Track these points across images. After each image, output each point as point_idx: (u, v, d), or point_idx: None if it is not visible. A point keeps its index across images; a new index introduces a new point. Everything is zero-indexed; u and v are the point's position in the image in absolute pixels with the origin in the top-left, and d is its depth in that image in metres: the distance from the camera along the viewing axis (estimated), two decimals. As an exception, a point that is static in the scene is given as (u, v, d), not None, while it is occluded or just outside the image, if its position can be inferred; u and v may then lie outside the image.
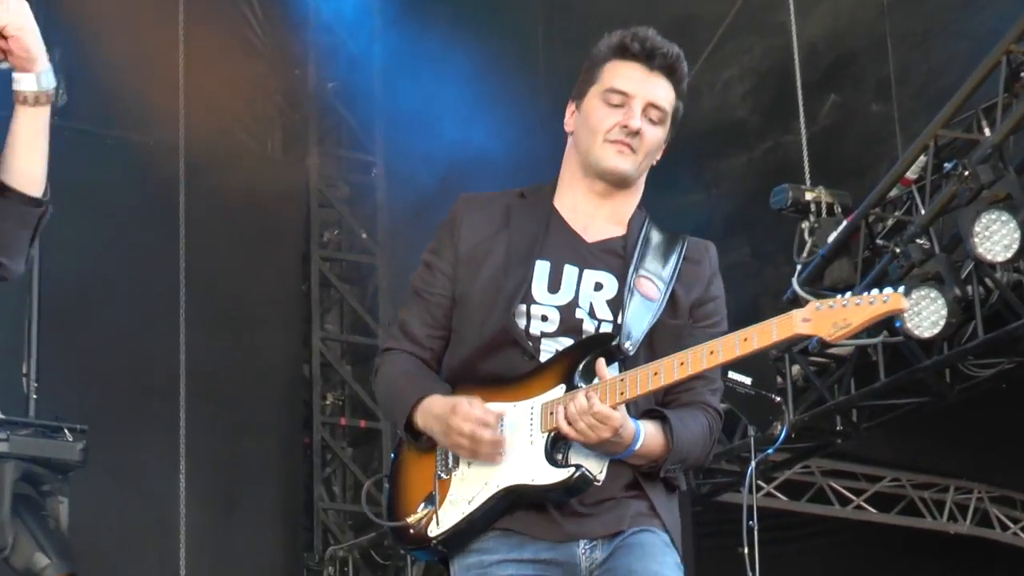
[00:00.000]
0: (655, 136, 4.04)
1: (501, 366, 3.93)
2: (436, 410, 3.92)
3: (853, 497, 11.69)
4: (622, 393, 3.78)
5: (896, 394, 9.70)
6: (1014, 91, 8.75)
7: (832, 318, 3.69)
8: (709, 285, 4.06)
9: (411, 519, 3.94)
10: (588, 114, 4.06)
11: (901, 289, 3.75)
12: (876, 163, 10.07)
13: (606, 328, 3.93)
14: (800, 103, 10.06)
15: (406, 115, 13.56)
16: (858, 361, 9.57)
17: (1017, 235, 8.50)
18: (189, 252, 12.29)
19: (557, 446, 3.85)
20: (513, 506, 3.87)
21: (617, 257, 4.02)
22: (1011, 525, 11.98)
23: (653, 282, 3.98)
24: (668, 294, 3.96)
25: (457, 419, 3.86)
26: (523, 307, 3.93)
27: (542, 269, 3.98)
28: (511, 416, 3.89)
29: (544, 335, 3.94)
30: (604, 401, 3.76)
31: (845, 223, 9.50)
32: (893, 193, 9.43)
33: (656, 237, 4.07)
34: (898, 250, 8.99)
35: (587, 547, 3.89)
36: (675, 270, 4.00)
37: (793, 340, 3.80)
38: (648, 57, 4.04)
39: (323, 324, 13.86)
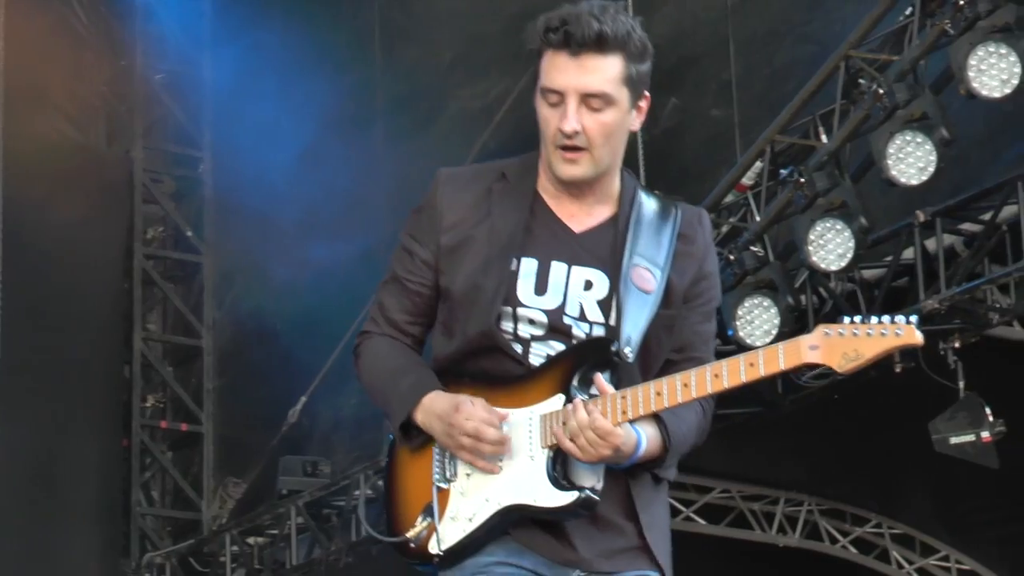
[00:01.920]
0: (604, 124, 3.73)
1: (491, 366, 3.78)
2: (438, 408, 3.76)
3: (683, 508, 11.59)
4: (624, 412, 3.66)
5: (728, 403, 9.59)
6: (852, 97, 8.70)
7: (842, 348, 3.57)
8: (703, 262, 3.87)
9: (411, 534, 3.80)
10: (539, 114, 3.80)
11: (914, 319, 3.55)
12: (715, 168, 9.98)
13: (598, 332, 3.76)
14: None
15: (235, 109, 13.31)
16: (690, 369, 9.43)
17: (852, 244, 8.48)
18: (6, 242, 11.97)
19: (558, 464, 3.72)
20: (515, 523, 3.74)
21: (607, 247, 3.81)
22: (840, 538, 11.98)
23: (648, 271, 3.78)
24: (664, 283, 3.78)
25: (460, 417, 3.71)
26: (508, 309, 3.76)
27: (528, 267, 3.78)
28: (509, 423, 3.74)
29: (534, 338, 3.77)
30: (605, 417, 3.64)
31: (679, 228, 9.37)
32: (728, 199, 9.35)
33: (648, 210, 3.85)
34: (732, 257, 8.91)
35: None
36: (670, 253, 3.81)
37: (800, 368, 3.62)
38: (566, 44, 3.72)
39: (145, 323, 13.63)
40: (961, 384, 8.90)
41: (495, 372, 3.77)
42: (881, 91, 8.36)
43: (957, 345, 8.80)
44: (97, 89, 13.71)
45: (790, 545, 11.90)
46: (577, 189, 3.82)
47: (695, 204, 9.72)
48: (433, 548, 3.76)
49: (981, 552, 11.79)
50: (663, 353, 3.79)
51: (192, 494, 13.44)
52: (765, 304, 8.80)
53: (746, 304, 8.78)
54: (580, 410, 3.63)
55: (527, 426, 3.73)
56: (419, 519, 3.79)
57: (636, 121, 3.81)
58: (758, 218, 9.03)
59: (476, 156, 11.15)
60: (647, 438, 3.71)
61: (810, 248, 8.53)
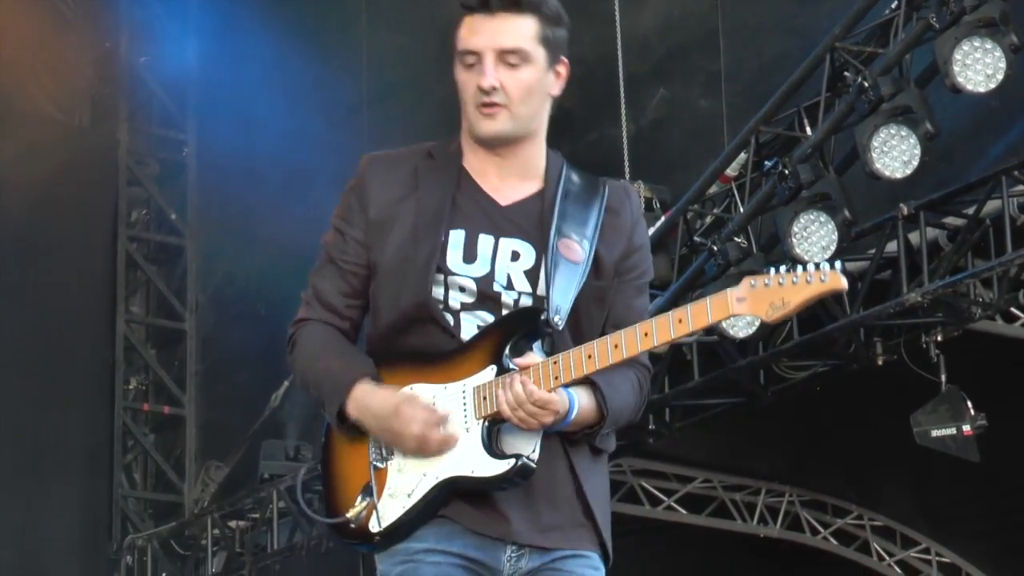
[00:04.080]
0: (521, 80, 3.80)
1: (421, 341, 3.80)
2: (374, 407, 3.78)
3: (664, 497, 11.59)
4: (556, 377, 3.69)
5: (710, 394, 9.67)
6: (837, 90, 8.69)
7: (769, 297, 3.60)
8: (632, 235, 3.90)
9: (350, 514, 3.80)
10: (457, 81, 3.86)
11: (838, 265, 3.58)
12: (702, 159, 9.96)
13: (525, 301, 3.80)
14: (622, 95, 9.93)
15: (220, 93, 13.28)
16: (672, 359, 9.45)
17: (835, 236, 8.49)
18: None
19: (493, 433, 3.75)
20: (452, 496, 3.76)
21: (534, 219, 3.85)
22: (821, 529, 12.00)
23: (576, 242, 3.81)
24: (591, 255, 3.81)
25: (401, 422, 3.74)
26: (440, 277, 3.80)
27: (456, 238, 3.81)
28: (442, 399, 3.77)
29: (464, 307, 3.80)
30: (538, 386, 3.68)
31: (663, 219, 9.42)
32: (713, 190, 9.36)
33: (575, 186, 3.88)
34: (715, 248, 8.89)
35: (514, 554, 3.78)
36: (597, 226, 3.83)
37: (729, 319, 3.68)
38: (484, 4, 3.80)
39: (128, 306, 13.59)
40: (943, 377, 8.90)
41: (425, 348, 3.79)
42: (866, 84, 8.35)
43: (939, 339, 8.80)
44: (82, 71, 13.66)
45: (771, 536, 11.92)
46: (499, 154, 3.85)
47: (681, 195, 9.77)
48: (374, 527, 3.78)
49: (961, 545, 11.81)
50: (596, 326, 3.81)
51: (174, 477, 13.42)
52: (748, 295, 8.78)
53: (729, 295, 8.77)
54: (516, 384, 3.66)
55: (461, 399, 3.76)
56: (358, 499, 3.80)
57: (555, 86, 3.86)
58: (742, 209, 9.03)
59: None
60: (579, 401, 3.73)
61: (793, 240, 8.52)
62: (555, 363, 3.69)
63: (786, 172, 8.60)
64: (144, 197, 13.85)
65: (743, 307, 3.60)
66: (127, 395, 13.52)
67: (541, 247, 3.81)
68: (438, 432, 3.73)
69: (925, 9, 8.31)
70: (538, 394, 3.66)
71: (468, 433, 3.75)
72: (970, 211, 8.64)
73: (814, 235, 8.51)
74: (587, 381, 3.74)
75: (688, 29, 10.74)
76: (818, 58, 8.74)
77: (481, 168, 3.87)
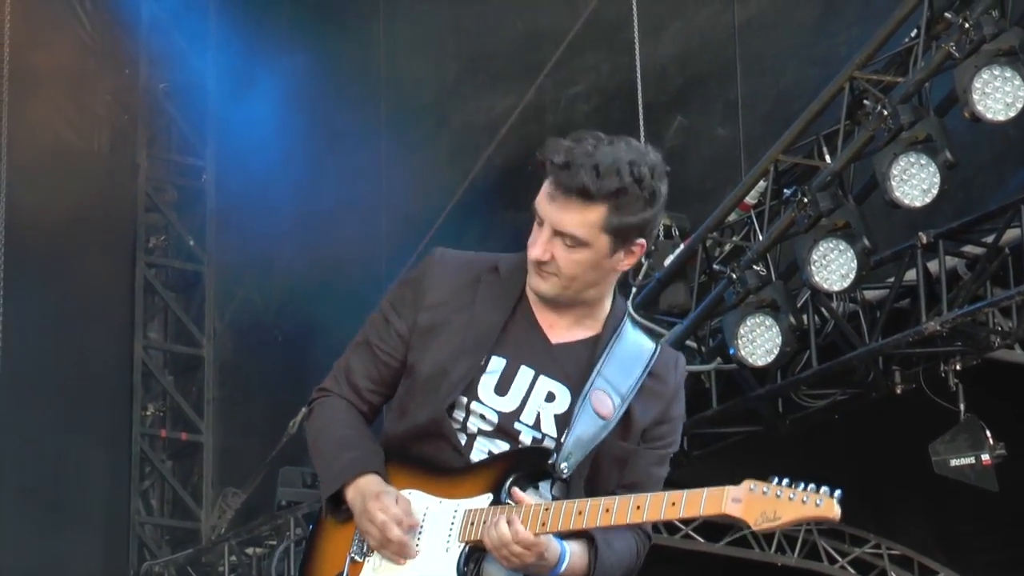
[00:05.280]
0: (573, 261, 3.76)
1: (432, 453, 3.82)
2: (365, 491, 3.81)
3: (682, 526, 11.54)
4: (543, 524, 3.68)
5: (728, 422, 9.63)
6: (856, 118, 8.68)
7: (762, 507, 3.62)
8: (670, 405, 3.91)
9: None
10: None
11: (838, 494, 3.64)
12: (720, 187, 9.96)
13: (548, 444, 3.80)
14: (641, 123, 9.92)
15: (239, 121, 13.30)
16: (690, 388, 9.41)
17: (854, 265, 8.46)
18: (9, 250, 11.96)
19: (470, 562, 3.76)
20: None
21: (579, 366, 3.83)
22: (839, 558, 11.94)
23: (609, 397, 3.80)
24: (622, 413, 3.81)
25: (375, 505, 3.76)
26: (464, 400, 3.81)
27: (496, 365, 3.82)
28: (434, 511, 3.79)
29: (481, 433, 3.81)
30: (525, 525, 3.67)
31: (682, 247, 9.39)
32: (732, 218, 9.34)
33: (628, 340, 3.87)
34: (734, 276, 8.88)
35: None
36: (636, 385, 3.84)
37: (719, 516, 3.69)
38: (558, 182, 3.73)
39: (146, 332, 13.60)
40: (962, 406, 8.87)
41: (435, 460, 3.80)
42: (885, 112, 8.34)
43: (958, 367, 8.77)
44: (101, 98, 13.72)
45: (789, 565, 11.86)
46: (552, 304, 3.83)
47: (699, 222, 9.78)
48: None
49: (979, 575, 11.76)
50: (612, 484, 3.81)
51: (191, 503, 13.42)
52: (767, 323, 8.77)
53: (748, 323, 8.76)
54: (502, 525, 3.66)
55: (450, 518, 3.76)
56: None
57: (624, 263, 3.81)
58: (761, 237, 9.01)
59: (480, 171, 11.16)
60: (571, 555, 3.72)
61: (813, 268, 8.50)
62: (546, 510, 3.68)
63: (805, 200, 8.59)
64: (162, 223, 13.88)
65: (736, 509, 3.61)
66: (144, 421, 13.54)
67: (577, 394, 3.80)
68: (398, 533, 3.72)
69: (945, 38, 8.30)
70: (522, 535, 3.65)
71: (447, 553, 3.75)
72: (989, 240, 8.62)
73: (833, 263, 8.49)
74: (586, 535, 3.74)
75: (706, 58, 10.76)
76: (838, 86, 8.73)
77: (543, 299, 3.85)
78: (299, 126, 12.74)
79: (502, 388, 3.80)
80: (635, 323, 3.94)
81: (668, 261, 9.31)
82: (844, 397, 9.26)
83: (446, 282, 3.87)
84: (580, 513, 3.67)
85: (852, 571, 11.95)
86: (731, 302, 8.92)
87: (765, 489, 3.61)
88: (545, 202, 3.75)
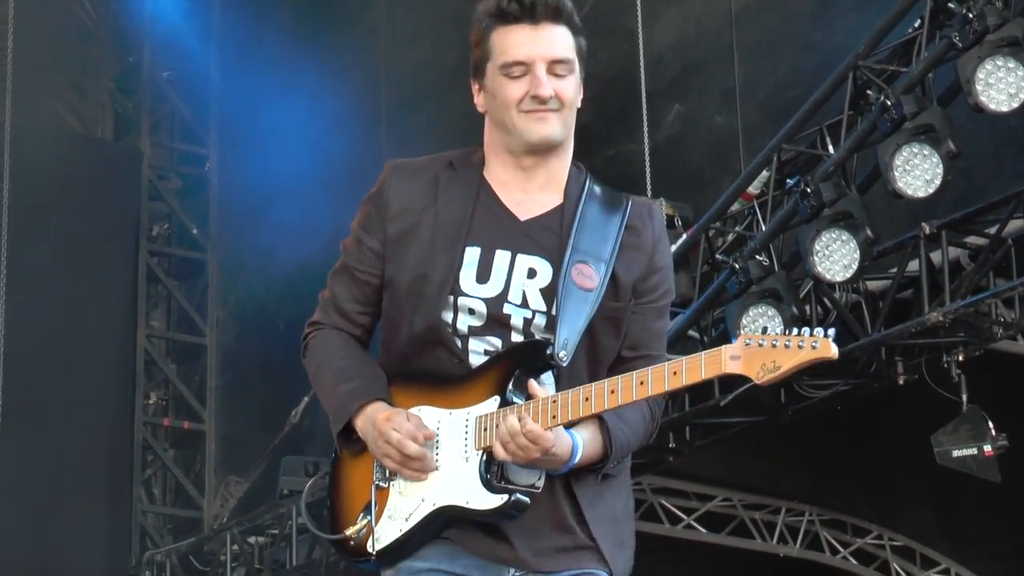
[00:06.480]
0: (569, 88, 3.80)
1: (432, 365, 3.81)
2: (372, 416, 3.79)
3: (684, 516, 11.55)
4: (554, 417, 3.67)
5: (730, 412, 9.62)
6: (860, 108, 8.67)
7: (761, 358, 3.59)
8: (653, 255, 3.86)
9: (350, 531, 3.85)
10: (495, 92, 3.81)
11: (832, 332, 3.61)
12: (719, 175, 9.96)
13: (540, 321, 3.77)
14: (644, 112, 9.90)
15: (242, 108, 13.30)
16: (693, 378, 9.41)
17: (857, 255, 8.45)
18: (13, 237, 11.96)
19: (492, 466, 3.74)
20: (449, 522, 3.77)
21: (553, 235, 3.82)
22: (841, 549, 11.94)
23: (590, 266, 3.78)
24: (607, 278, 3.79)
25: (387, 426, 3.75)
26: (450, 298, 3.78)
27: (471, 256, 3.80)
28: (447, 424, 3.78)
29: (471, 331, 3.79)
30: (536, 422, 3.66)
31: (685, 236, 9.38)
32: (734, 207, 9.33)
33: (596, 202, 3.85)
34: (737, 266, 8.87)
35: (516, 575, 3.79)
36: (615, 247, 3.81)
37: (722, 377, 3.66)
38: (530, 14, 3.79)
39: (148, 320, 13.60)
40: (964, 397, 8.86)
41: (436, 371, 3.79)
42: (889, 103, 8.33)
43: (961, 358, 8.77)
44: (105, 85, 13.73)
45: (791, 555, 11.87)
46: (526, 165, 3.82)
47: (701, 212, 9.75)
48: (371, 547, 3.79)
49: (981, 566, 11.76)
50: (612, 348, 3.80)
51: (193, 492, 13.43)
52: (769, 313, 8.76)
53: (750, 313, 8.75)
54: (510, 417, 3.66)
55: (463, 427, 3.76)
56: (359, 517, 3.83)
57: (579, 99, 3.86)
58: (764, 227, 9.01)
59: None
60: (584, 443, 3.72)
61: (815, 258, 8.49)
62: (554, 402, 3.68)
63: (808, 190, 8.58)
64: (166, 211, 13.89)
65: (736, 365, 3.59)
66: (147, 410, 13.54)
67: (558, 264, 3.79)
68: (416, 448, 3.72)
69: (948, 28, 8.29)
70: (530, 426, 3.64)
71: (467, 463, 3.75)
72: (992, 230, 8.60)
73: (836, 253, 8.48)
74: (595, 416, 3.73)
75: (703, 45, 10.74)
76: (841, 76, 8.71)
77: (503, 180, 3.85)
78: (301, 114, 12.73)
79: (482, 276, 3.79)
80: (598, 183, 3.92)
81: (671, 251, 9.30)
82: (846, 388, 9.25)
83: (405, 189, 3.87)
84: (587, 399, 3.66)
85: (854, 562, 11.96)
86: (733, 292, 8.91)
87: (761, 341, 3.58)
88: (518, 45, 3.78)
